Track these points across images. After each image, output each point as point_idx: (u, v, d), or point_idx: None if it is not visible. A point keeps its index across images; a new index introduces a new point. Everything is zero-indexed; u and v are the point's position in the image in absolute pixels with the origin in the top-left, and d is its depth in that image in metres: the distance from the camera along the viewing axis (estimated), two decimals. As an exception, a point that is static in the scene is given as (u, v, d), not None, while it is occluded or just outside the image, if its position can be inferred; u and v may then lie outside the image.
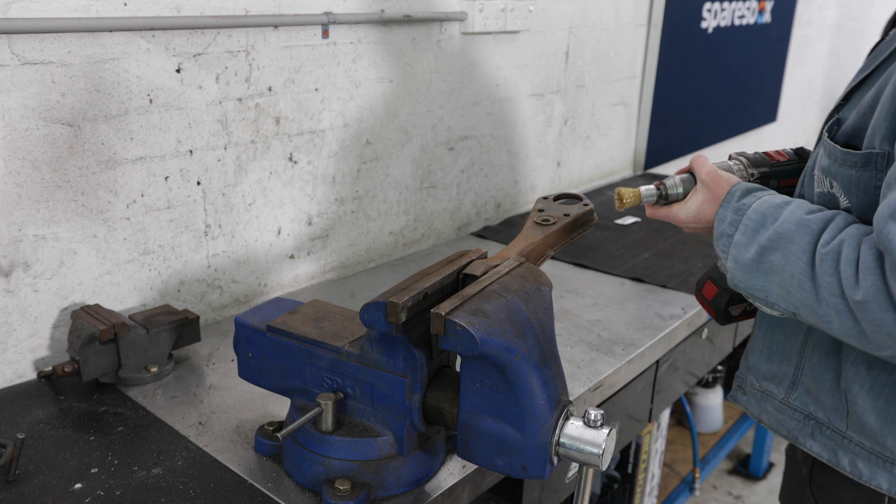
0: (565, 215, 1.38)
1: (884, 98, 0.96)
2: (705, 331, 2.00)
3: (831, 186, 1.05)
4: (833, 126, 1.06)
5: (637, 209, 2.36)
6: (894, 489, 1.06)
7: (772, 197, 1.06)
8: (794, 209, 1.01)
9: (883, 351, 0.92)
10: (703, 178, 1.18)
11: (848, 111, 1.06)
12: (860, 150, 1.00)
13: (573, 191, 2.82)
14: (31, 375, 1.49)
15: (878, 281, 0.88)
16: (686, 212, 1.20)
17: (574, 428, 1.03)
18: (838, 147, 1.02)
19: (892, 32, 1.05)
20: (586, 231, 1.43)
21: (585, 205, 1.43)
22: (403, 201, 2.19)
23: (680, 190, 1.24)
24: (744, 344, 2.32)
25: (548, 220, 1.37)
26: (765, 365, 1.21)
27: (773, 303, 1.02)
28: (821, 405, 1.12)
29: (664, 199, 1.25)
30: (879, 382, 1.04)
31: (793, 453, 1.28)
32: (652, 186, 1.26)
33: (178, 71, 1.57)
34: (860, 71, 1.06)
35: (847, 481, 1.11)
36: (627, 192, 1.26)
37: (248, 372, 1.26)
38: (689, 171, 1.24)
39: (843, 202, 1.03)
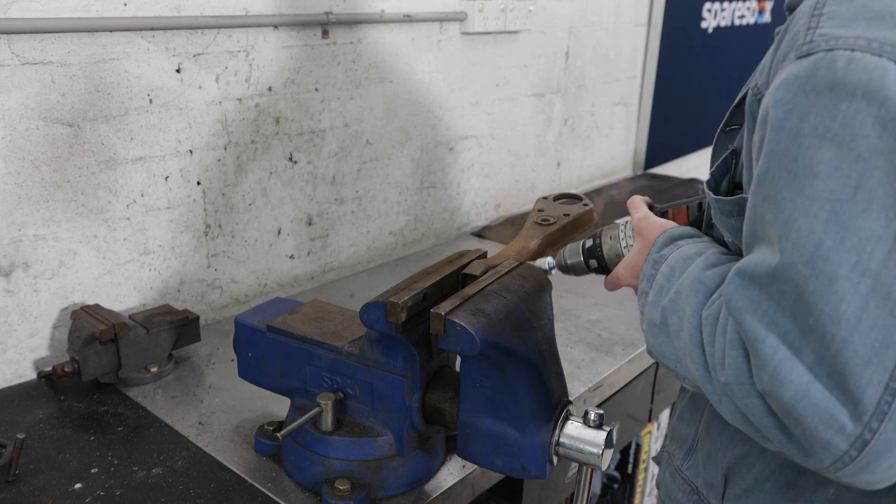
0: (565, 215, 1.38)
1: (744, 150, 0.84)
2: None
3: (725, 237, 0.92)
4: (720, 167, 0.91)
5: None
6: None
7: (691, 246, 0.90)
8: (701, 262, 0.85)
9: (769, 443, 0.74)
10: (635, 224, 1.03)
11: (720, 143, 0.93)
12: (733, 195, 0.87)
13: (573, 191, 2.82)
14: (31, 375, 1.49)
15: (740, 358, 0.72)
16: (623, 266, 1.05)
17: (574, 428, 1.03)
18: (711, 194, 0.90)
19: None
20: (586, 231, 1.43)
21: (585, 205, 1.43)
22: (403, 201, 2.19)
23: (589, 245, 1.13)
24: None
25: (548, 220, 1.37)
26: (678, 423, 1.06)
27: (683, 375, 0.86)
28: (703, 479, 0.98)
29: (567, 269, 1.15)
30: (769, 470, 0.89)
31: None
32: (549, 259, 1.17)
33: (178, 71, 1.57)
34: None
35: None
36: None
37: (248, 372, 1.26)
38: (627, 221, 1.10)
39: None
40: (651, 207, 1.08)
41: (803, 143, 0.67)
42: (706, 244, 0.91)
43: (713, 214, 0.93)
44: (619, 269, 1.06)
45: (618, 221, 1.13)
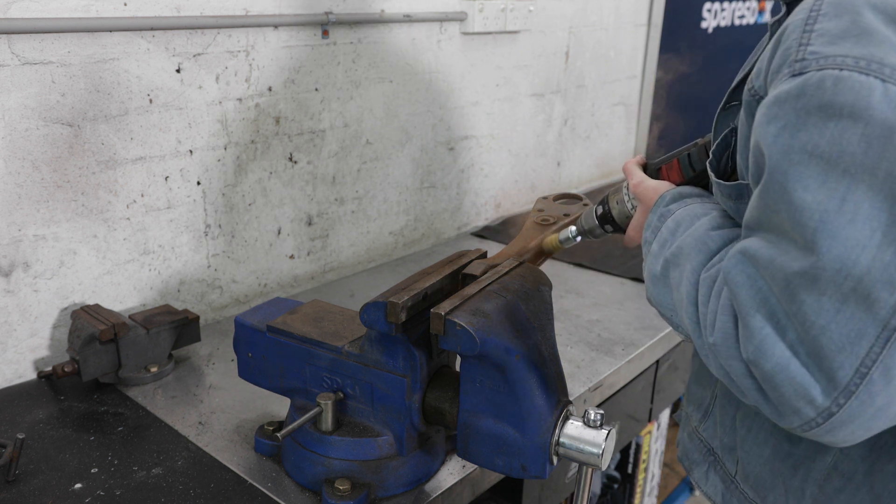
0: (565, 215, 1.38)
1: (739, 135, 0.90)
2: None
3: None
4: (717, 150, 0.96)
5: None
6: None
7: (700, 206, 0.95)
8: (706, 221, 0.91)
9: (745, 399, 0.81)
10: (632, 190, 1.09)
11: (719, 130, 0.98)
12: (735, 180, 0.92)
13: (573, 191, 2.82)
14: (31, 375, 1.49)
15: (728, 322, 0.78)
16: (632, 228, 1.10)
17: (574, 428, 1.03)
18: (713, 176, 0.95)
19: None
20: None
21: (585, 205, 1.43)
22: (403, 201, 2.19)
23: (600, 211, 1.19)
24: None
25: (548, 220, 1.37)
26: (694, 386, 1.13)
27: (678, 324, 0.91)
28: (719, 441, 1.05)
29: (589, 235, 1.22)
30: (766, 431, 0.96)
31: None
32: (572, 227, 1.24)
33: (178, 71, 1.57)
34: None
35: None
36: (551, 245, 1.28)
37: (248, 372, 1.26)
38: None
39: None
40: (645, 167, 1.14)
41: (793, 158, 0.72)
42: (713, 206, 0.95)
43: (713, 191, 0.97)
44: (630, 232, 1.12)
45: (622, 184, 1.18)
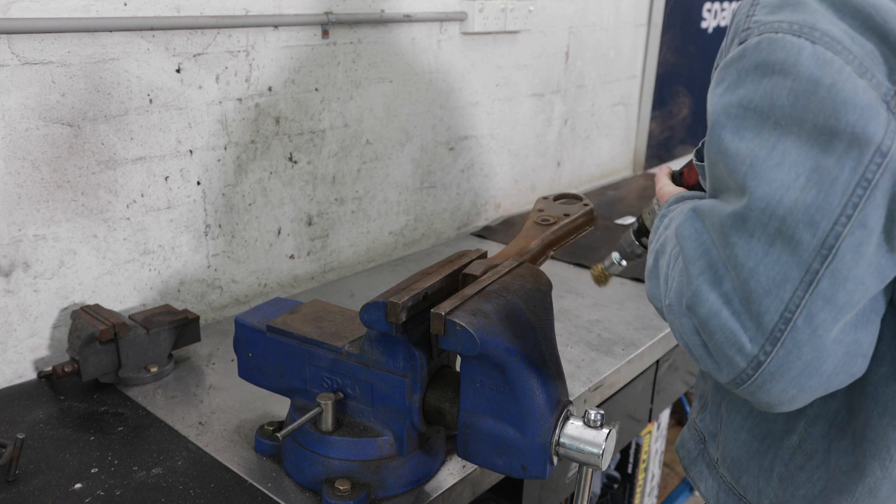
0: (565, 215, 1.38)
1: None
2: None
3: None
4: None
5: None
6: None
7: (692, 202, 0.99)
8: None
9: (700, 363, 0.83)
10: (657, 194, 1.18)
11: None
12: None
13: (573, 191, 2.82)
14: (31, 375, 1.49)
15: (682, 280, 0.82)
16: None
17: (574, 428, 1.03)
18: (695, 160, 1.05)
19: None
20: (586, 231, 1.43)
21: (585, 205, 1.43)
22: (403, 201, 2.19)
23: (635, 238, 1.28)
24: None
25: (548, 220, 1.37)
26: (699, 380, 1.18)
27: (661, 311, 0.95)
28: (708, 429, 1.10)
29: (632, 255, 1.28)
30: (744, 414, 1.01)
31: None
32: (615, 253, 1.31)
33: (178, 71, 1.57)
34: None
35: None
36: (597, 274, 1.35)
37: (248, 372, 1.26)
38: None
39: None
40: (673, 176, 1.24)
41: (731, 112, 0.78)
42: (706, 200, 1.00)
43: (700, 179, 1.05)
44: None
45: (653, 199, 1.27)
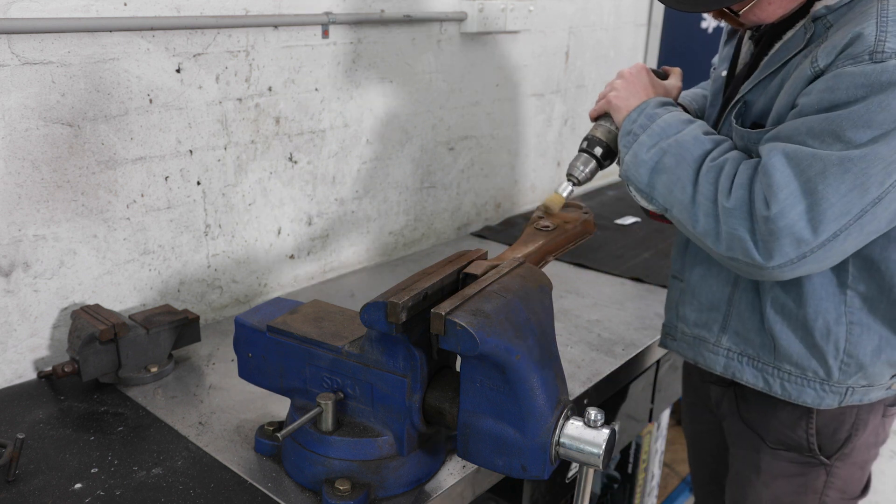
0: (565, 223, 1.39)
1: (787, 86, 1.17)
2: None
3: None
4: (741, 110, 1.26)
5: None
6: (817, 402, 1.29)
7: (679, 114, 1.25)
8: (695, 128, 1.22)
9: (732, 253, 1.13)
10: (611, 100, 1.32)
11: (754, 95, 1.25)
12: (764, 127, 1.21)
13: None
14: (31, 375, 1.49)
15: (745, 195, 1.12)
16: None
17: (574, 428, 1.03)
18: (750, 131, 1.22)
19: (789, 35, 1.23)
20: (585, 239, 1.44)
21: (585, 213, 1.44)
22: (403, 201, 2.19)
23: (591, 165, 1.33)
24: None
25: (547, 227, 1.38)
26: (695, 314, 1.40)
27: (653, 197, 1.22)
28: (751, 343, 1.33)
29: (587, 178, 1.34)
30: (794, 322, 1.27)
31: (697, 408, 1.61)
32: (565, 183, 1.33)
33: (178, 71, 1.57)
34: (767, 64, 1.25)
35: (777, 405, 1.35)
36: (552, 202, 1.35)
37: (248, 372, 1.26)
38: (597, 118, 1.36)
39: None
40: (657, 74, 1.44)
41: (865, 107, 1.06)
42: (690, 117, 1.25)
43: (734, 136, 1.26)
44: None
45: (594, 126, 1.36)
